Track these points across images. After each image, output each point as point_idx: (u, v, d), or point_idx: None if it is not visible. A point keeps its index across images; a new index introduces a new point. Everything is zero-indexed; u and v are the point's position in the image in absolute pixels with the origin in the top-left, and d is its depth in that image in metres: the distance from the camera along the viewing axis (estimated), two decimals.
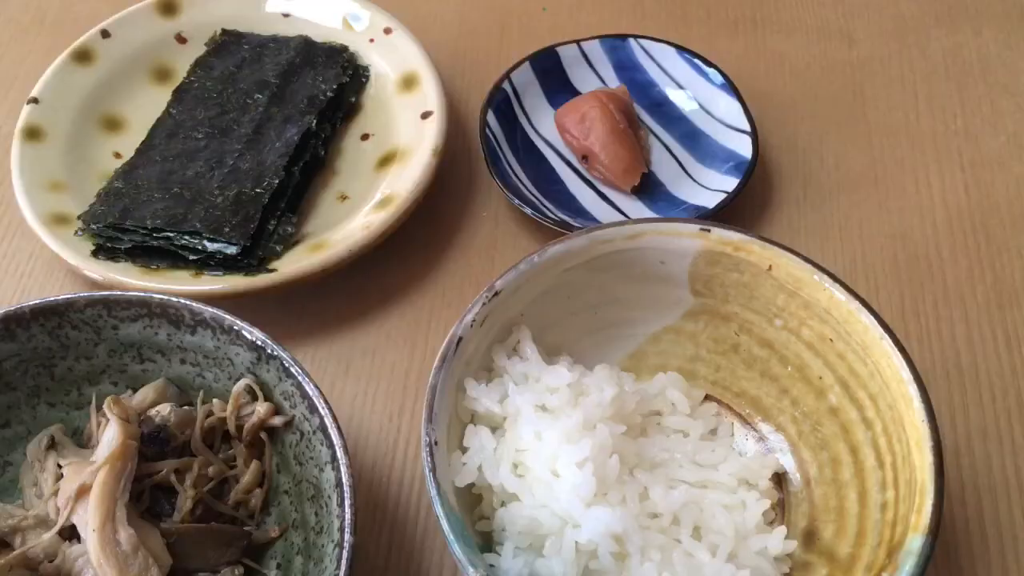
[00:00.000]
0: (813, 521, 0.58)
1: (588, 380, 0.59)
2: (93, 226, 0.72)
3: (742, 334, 0.63)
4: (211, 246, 0.70)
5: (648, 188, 0.78)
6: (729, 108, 0.79)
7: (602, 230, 0.60)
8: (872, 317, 0.55)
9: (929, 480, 0.50)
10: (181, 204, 0.73)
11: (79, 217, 0.72)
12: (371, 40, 0.85)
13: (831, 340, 0.58)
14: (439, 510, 0.51)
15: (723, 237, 0.59)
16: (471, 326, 0.57)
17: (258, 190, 0.74)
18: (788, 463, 0.61)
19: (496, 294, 0.58)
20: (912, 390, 0.53)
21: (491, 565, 0.54)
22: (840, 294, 0.56)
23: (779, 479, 0.60)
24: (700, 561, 0.54)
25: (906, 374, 0.53)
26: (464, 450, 0.57)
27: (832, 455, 0.59)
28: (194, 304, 0.59)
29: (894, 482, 0.54)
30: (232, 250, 0.70)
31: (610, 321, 0.65)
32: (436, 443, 0.53)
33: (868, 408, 0.57)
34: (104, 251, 0.71)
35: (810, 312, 0.59)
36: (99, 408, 0.59)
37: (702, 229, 0.60)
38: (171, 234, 0.71)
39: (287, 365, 0.57)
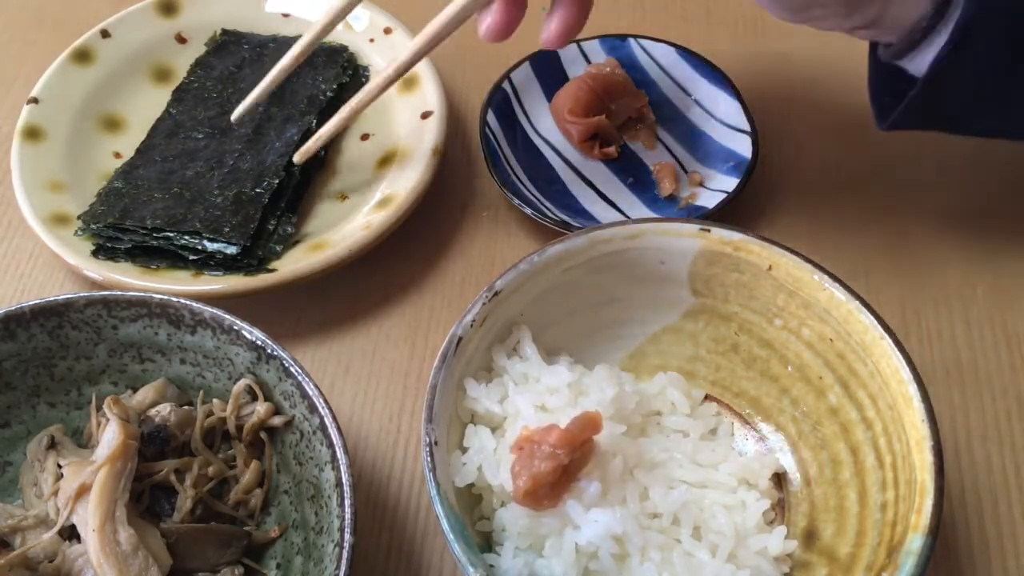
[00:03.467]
0: (813, 521, 0.58)
1: (588, 380, 0.58)
2: (93, 226, 0.72)
3: (742, 334, 0.63)
4: (211, 246, 0.70)
5: (648, 187, 0.78)
6: (729, 108, 0.79)
7: (602, 230, 0.60)
8: (872, 317, 0.55)
9: (929, 480, 0.50)
10: (181, 204, 0.73)
11: (79, 217, 0.72)
12: (371, 40, 0.85)
13: (831, 340, 0.58)
14: (439, 510, 0.51)
15: (723, 237, 0.59)
16: (471, 326, 0.57)
17: (258, 190, 0.74)
18: (788, 463, 0.61)
19: (496, 294, 0.58)
20: (912, 390, 0.53)
21: (491, 565, 0.54)
22: (840, 294, 0.56)
23: (779, 479, 0.60)
24: (700, 561, 0.54)
25: (906, 374, 0.53)
26: (464, 450, 0.57)
27: (832, 455, 0.59)
28: (194, 304, 0.59)
29: (894, 482, 0.54)
30: (232, 250, 0.70)
31: (610, 321, 0.65)
32: (436, 443, 0.53)
33: (868, 408, 0.57)
34: (104, 251, 0.71)
35: (810, 312, 0.59)
36: (99, 408, 0.59)
37: (702, 229, 0.60)
38: (171, 234, 0.71)
39: (287, 365, 0.57)
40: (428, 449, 0.52)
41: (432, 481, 0.51)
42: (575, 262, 0.61)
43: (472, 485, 0.56)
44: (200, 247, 0.70)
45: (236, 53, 0.84)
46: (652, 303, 0.64)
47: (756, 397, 0.63)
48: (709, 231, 0.60)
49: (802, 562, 0.57)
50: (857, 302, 0.56)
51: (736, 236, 0.59)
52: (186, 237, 0.71)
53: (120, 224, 0.71)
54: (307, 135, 0.77)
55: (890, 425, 0.55)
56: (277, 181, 0.74)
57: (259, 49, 0.84)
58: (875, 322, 0.55)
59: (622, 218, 0.75)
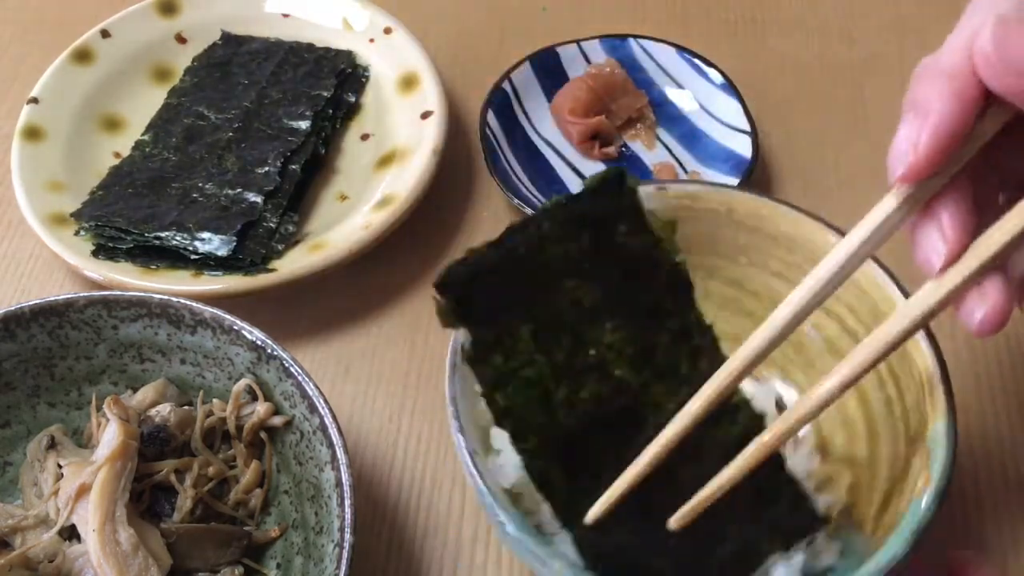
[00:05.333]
0: (821, 435, 0.59)
1: None
2: (85, 224, 0.71)
3: (709, 279, 0.63)
4: (202, 247, 0.70)
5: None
6: (729, 108, 0.79)
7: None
8: (837, 234, 0.56)
9: (933, 368, 0.51)
10: (173, 204, 0.73)
11: (71, 215, 0.72)
12: (371, 40, 0.85)
13: (800, 265, 0.59)
14: (501, 516, 0.48)
15: (679, 191, 0.60)
16: None
17: (254, 190, 0.74)
18: (783, 390, 0.62)
19: None
20: (892, 291, 0.54)
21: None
22: (803, 219, 0.57)
23: (778, 407, 0.61)
24: None
25: (881, 278, 0.54)
26: (496, 453, 0.56)
27: (822, 370, 0.59)
28: (194, 304, 0.59)
29: (891, 376, 0.55)
30: (223, 251, 0.70)
31: None
32: (476, 451, 0.51)
33: (848, 318, 0.57)
34: (104, 251, 0.71)
35: (775, 243, 0.59)
36: (99, 408, 0.59)
37: (659, 188, 0.60)
38: (163, 234, 0.71)
39: (287, 365, 0.57)
40: (471, 459, 0.50)
41: (485, 490, 0.49)
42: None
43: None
44: (191, 247, 0.70)
45: (233, 55, 0.84)
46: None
47: (737, 335, 0.63)
48: (666, 187, 0.60)
49: (824, 477, 0.57)
50: (819, 223, 0.57)
51: (692, 187, 0.60)
52: (178, 237, 0.70)
53: (111, 223, 0.71)
54: (306, 134, 0.78)
55: (875, 328, 0.56)
56: (274, 183, 0.74)
57: (256, 51, 0.84)
58: (840, 237, 0.56)
59: None
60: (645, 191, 0.59)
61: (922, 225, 0.44)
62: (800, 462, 0.57)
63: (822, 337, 0.59)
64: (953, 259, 0.43)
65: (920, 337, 0.52)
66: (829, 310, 0.58)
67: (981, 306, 0.43)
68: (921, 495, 0.49)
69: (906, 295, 0.53)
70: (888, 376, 0.55)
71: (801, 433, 0.59)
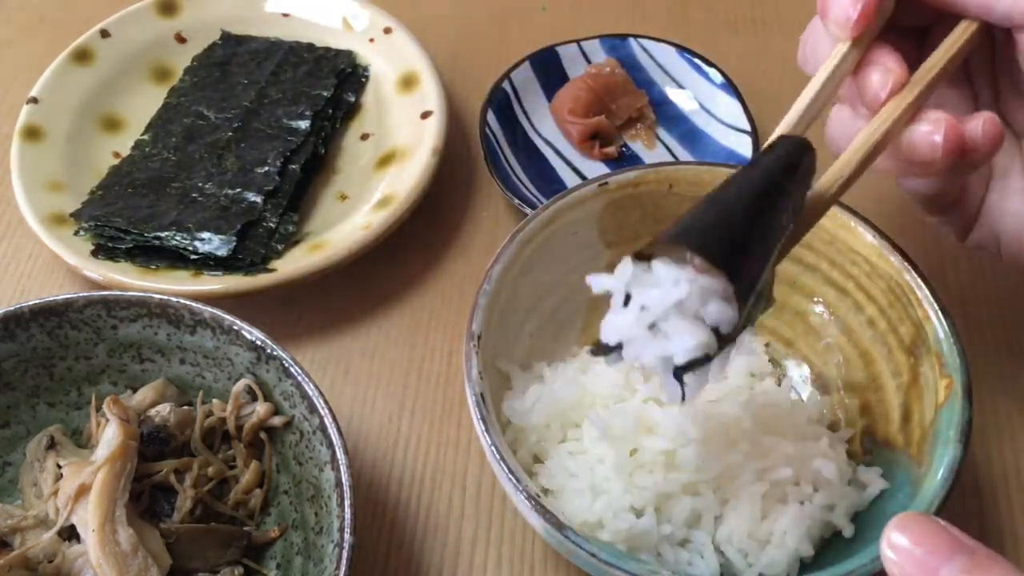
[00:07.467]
0: (816, 372, 0.60)
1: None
2: (85, 224, 0.71)
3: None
4: (202, 247, 0.70)
5: None
6: (729, 108, 0.79)
7: (524, 230, 0.60)
8: None
9: (910, 279, 0.54)
10: (173, 204, 0.73)
11: (71, 215, 0.72)
12: (371, 40, 0.85)
13: None
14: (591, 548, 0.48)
15: (621, 181, 0.61)
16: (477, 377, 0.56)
17: (253, 189, 0.74)
18: (760, 339, 0.63)
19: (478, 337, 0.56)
20: (852, 222, 0.56)
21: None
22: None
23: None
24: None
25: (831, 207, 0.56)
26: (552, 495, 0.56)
27: (794, 311, 0.61)
28: (193, 304, 0.59)
29: (869, 299, 0.57)
30: (223, 251, 0.70)
31: (552, 310, 0.64)
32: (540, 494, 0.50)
33: (808, 255, 0.59)
34: (104, 251, 0.71)
35: None
36: (99, 408, 0.59)
37: (600, 185, 0.61)
38: (163, 234, 0.71)
39: (287, 365, 0.57)
40: (533, 500, 0.49)
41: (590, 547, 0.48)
42: (512, 275, 0.59)
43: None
44: (191, 247, 0.70)
45: (232, 56, 0.84)
46: (576, 272, 0.63)
47: None
48: (607, 183, 0.61)
49: (831, 408, 0.59)
50: None
51: (633, 174, 0.61)
52: (178, 237, 0.70)
53: (111, 223, 0.71)
54: (305, 134, 0.78)
55: (837, 257, 0.58)
56: (274, 183, 0.74)
57: (256, 51, 0.84)
58: None
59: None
60: (589, 191, 0.61)
61: (865, 68, 0.50)
62: (817, 403, 0.59)
63: (785, 282, 0.60)
64: (898, 87, 0.48)
65: (888, 251, 0.55)
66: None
67: (939, 128, 0.47)
68: (948, 399, 0.51)
69: (860, 215, 0.57)
70: (866, 300, 0.57)
71: (797, 376, 0.62)
